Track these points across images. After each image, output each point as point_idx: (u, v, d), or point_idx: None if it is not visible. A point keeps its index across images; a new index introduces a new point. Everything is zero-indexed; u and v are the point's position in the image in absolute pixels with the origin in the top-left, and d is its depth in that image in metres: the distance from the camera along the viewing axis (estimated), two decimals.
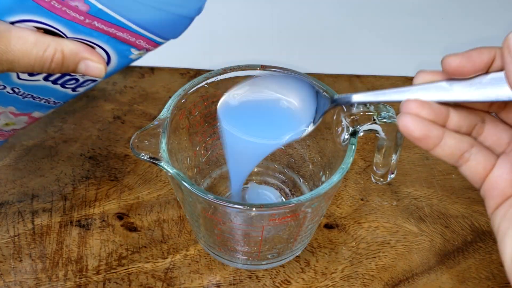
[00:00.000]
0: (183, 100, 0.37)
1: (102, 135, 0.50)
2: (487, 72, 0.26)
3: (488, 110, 0.29)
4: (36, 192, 0.45)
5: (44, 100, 0.36)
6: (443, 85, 0.27)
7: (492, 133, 0.29)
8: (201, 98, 0.38)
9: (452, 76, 0.27)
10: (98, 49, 0.31)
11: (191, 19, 0.32)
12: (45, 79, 0.33)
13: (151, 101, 0.53)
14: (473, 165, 0.28)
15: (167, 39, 0.32)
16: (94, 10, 0.28)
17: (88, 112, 0.52)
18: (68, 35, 0.30)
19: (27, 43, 0.28)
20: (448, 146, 0.27)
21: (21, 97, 0.35)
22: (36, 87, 0.34)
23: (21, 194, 0.45)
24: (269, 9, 0.69)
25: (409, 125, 0.26)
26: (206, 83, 0.38)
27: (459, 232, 0.43)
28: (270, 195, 0.44)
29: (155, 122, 0.34)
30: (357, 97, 0.31)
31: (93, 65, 0.31)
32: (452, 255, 0.42)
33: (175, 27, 0.31)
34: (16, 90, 0.34)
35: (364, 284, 0.40)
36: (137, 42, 0.31)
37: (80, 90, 0.36)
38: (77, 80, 0.34)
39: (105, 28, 0.30)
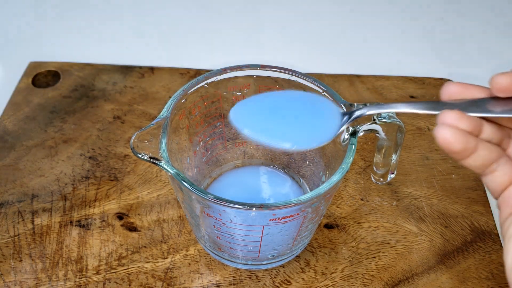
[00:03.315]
0: (183, 100, 0.37)
1: (102, 135, 0.50)
2: None
3: None
4: (36, 192, 0.45)
5: None
6: (484, 103, 0.27)
7: None
8: (201, 98, 0.38)
9: (499, 95, 0.27)
10: None
11: None
12: None
13: (151, 101, 0.53)
14: (499, 176, 0.28)
15: None
16: None
17: (88, 112, 0.52)
18: None
19: None
20: (481, 157, 0.27)
21: None
22: None
23: (21, 194, 0.45)
24: (269, 9, 0.69)
25: (449, 138, 0.26)
26: (206, 83, 0.38)
27: (459, 232, 0.43)
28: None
29: (155, 122, 0.34)
30: (389, 108, 0.31)
31: None
32: (452, 255, 0.42)
33: None
34: None
35: (364, 284, 0.40)
36: None
37: None
38: None
39: None
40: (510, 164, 0.28)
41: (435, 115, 0.28)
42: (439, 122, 0.27)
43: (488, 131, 0.28)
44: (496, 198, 0.29)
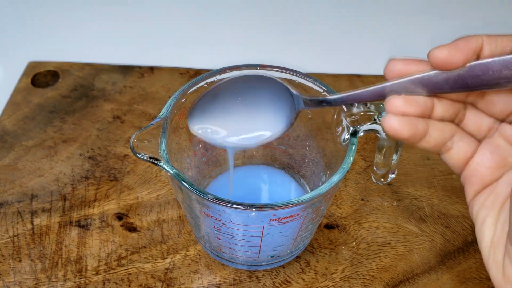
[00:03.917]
0: (183, 100, 0.37)
1: (102, 135, 0.50)
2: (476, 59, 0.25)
3: (466, 100, 0.28)
4: (35, 192, 0.45)
5: None
6: (431, 80, 0.26)
7: (473, 119, 0.28)
8: None
9: (439, 69, 0.26)
10: None
11: None
12: None
13: (151, 101, 0.53)
14: (455, 153, 0.28)
15: None
16: None
17: (87, 112, 0.52)
18: None
19: None
20: (433, 138, 0.27)
21: None
22: None
23: (21, 194, 0.45)
24: (269, 9, 0.69)
25: (396, 126, 0.26)
26: (206, 83, 0.38)
27: (460, 232, 0.43)
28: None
29: (155, 122, 0.34)
30: (333, 98, 0.30)
31: None
32: (453, 255, 0.42)
33: None
34: None
35: (365, 284, 0.40)
36: None
37: None
38: None
39: None
40: (464, 140, 0.28)
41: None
42: (386, 110, 0.26)
43: (440, 108, 0.27)
44: (459, 174, 0.29)
